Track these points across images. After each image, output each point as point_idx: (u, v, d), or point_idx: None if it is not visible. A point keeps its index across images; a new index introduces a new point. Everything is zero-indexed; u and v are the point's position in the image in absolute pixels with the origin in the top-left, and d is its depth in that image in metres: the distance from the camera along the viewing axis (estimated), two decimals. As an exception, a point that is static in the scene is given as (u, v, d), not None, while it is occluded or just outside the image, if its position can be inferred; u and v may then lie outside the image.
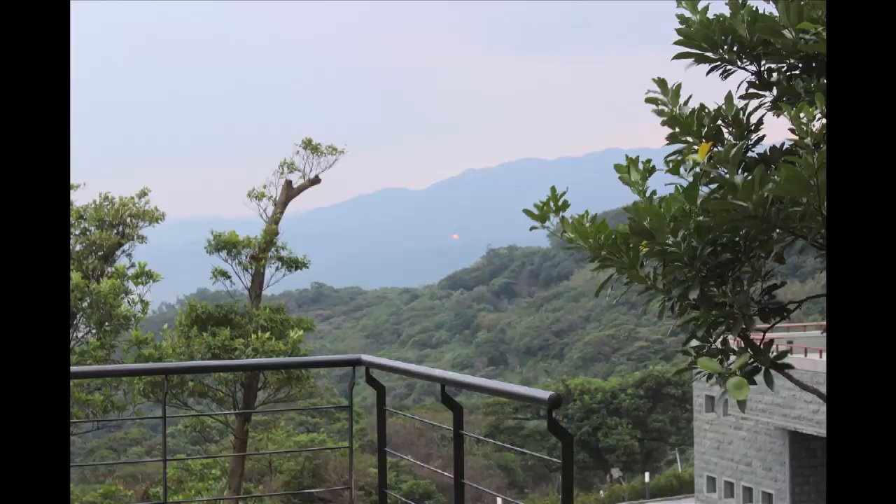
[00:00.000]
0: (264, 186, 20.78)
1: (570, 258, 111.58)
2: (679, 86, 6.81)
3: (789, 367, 6.87)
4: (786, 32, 6.30)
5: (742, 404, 6.09)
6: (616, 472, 55.29)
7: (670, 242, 6.19)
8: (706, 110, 6.81)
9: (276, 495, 34.38)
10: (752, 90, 7.04)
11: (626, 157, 6.59)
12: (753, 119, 6.88)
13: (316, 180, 21.13)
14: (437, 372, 5.67)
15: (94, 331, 18.16)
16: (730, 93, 6.79)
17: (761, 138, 6.97)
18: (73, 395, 17.04)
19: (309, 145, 20.93)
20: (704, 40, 6.81)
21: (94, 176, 27.45)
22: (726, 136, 6.81)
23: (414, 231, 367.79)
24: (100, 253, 19.32)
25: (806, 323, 39.65)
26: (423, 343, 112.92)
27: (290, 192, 20.95)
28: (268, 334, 18.62)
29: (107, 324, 17.92)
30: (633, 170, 6.52)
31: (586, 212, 6.65)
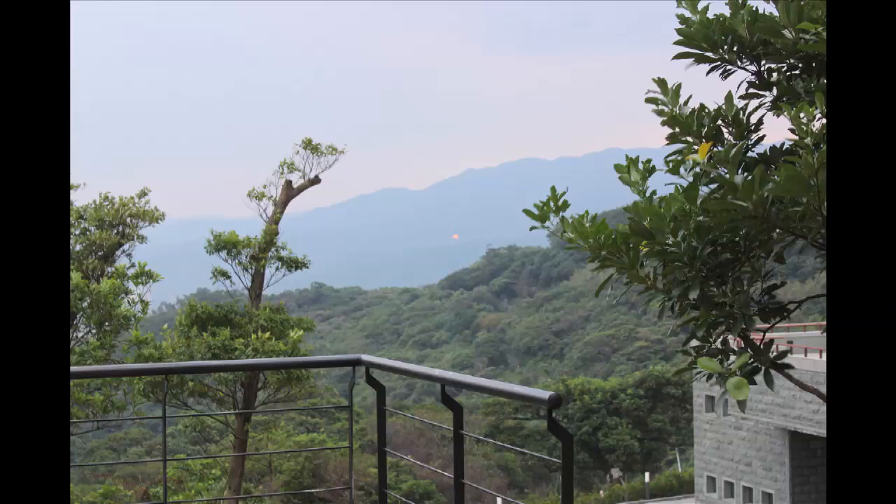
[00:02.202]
0: (264, 186, 20.79)
1: (570, 258, 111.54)
2: (679, 86, 6.81)
3: (789, 367, 6.87)
4: (786, 32, 6.30)
5: (742, 404, 6.09)
6: (616, 472, 55.27)
7: (670, 242, 6.19)
8: (706, 110, 6.81)
9: (276, 495, 34.37)
10: (752, 90, 7.04)
11: (626, 157, 6.59)
12: (753, 119, 6.88)
13: (316, 180, 21.13)
14: (437, 372, 5.66)
15: (94, 331, 18.16)
16: (730, 93, 6.78)
17: (761, 138, 6.97)
18: (73, 395, 17.03)
19: (309, 145, 20.93)
20: (704, 40, 6.80)
21: (94, 176, 27.46)
22: (726, 136, 6.81)
23: (414, 231, 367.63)
24: (100, 253, 19.31)
25: (806, 323, 39.64)
26: (423, 343, 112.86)
27: (290, 192, 20.95)
28: (268, 334, 18.62)
29: (107, 324, 17.91)
30: (633, 170, 6.52)
31: (586, 212, 6.65)
